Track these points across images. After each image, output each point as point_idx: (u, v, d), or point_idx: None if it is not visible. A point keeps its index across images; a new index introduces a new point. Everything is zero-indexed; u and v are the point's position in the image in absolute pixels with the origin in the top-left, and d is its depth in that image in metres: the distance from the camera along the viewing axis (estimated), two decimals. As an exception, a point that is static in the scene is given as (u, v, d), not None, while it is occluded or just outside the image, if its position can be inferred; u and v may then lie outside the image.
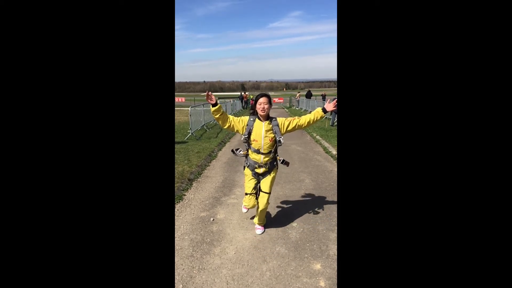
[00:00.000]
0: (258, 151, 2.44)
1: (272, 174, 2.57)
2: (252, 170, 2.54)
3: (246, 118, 2.46)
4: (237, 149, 2.63)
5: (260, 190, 2.59)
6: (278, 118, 2.46)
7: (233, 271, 2.14)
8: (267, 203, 2.55)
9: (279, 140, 2.41)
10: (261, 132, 2.39)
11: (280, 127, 2.42)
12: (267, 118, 2.44)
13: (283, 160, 2.59)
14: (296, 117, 2.46)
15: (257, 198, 2.58)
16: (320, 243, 2.51)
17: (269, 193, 2.56)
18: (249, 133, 2.40)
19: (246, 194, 2.58)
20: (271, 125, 2.42)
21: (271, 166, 2.54)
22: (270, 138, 2.41)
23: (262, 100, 2.39)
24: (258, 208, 2.59)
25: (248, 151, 2.54)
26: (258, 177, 2.57)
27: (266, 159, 2.47)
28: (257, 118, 2.41)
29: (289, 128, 2.44)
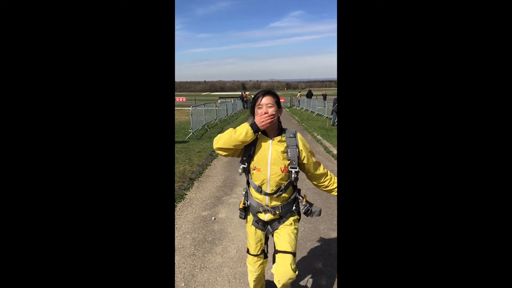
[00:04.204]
0: (260, 189, 1.42)
1: (290, 224, 1.50)
2: (254, 215, 1.54)
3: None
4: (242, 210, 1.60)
5: (275, 250, 1.52)
6: (298, 135, 1.45)
7: (234, 269, 2.15)
8: (294, 271, 1.43)
9: (292, 170, 1.40)
10: (266, 156, 1.39)
11: (300, 150, 1.41)
12: (278, 131, 1.44)
13: (309, 209, 1.50)
14: (315, 161, 1.49)
15: (272, 259, 1.56)
16: (321, 242, 2.52)
17: (293, 253, 1.46)
18: (249, 156, 1.42)
19: (250, 254, 1.61)
20: (285, 144, 1.41)
21: (286, 210, 1.48)
22: (283, 167, 1.39)
23: (264, 100, 1.37)
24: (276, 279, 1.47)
25: (248, 185, 1.52)
26: (265, 226, 1.55)
27: (275, 201, 1.45)
28: (260, 132, 1.40)
29: (305, 166, 1.46)
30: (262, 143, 1.41)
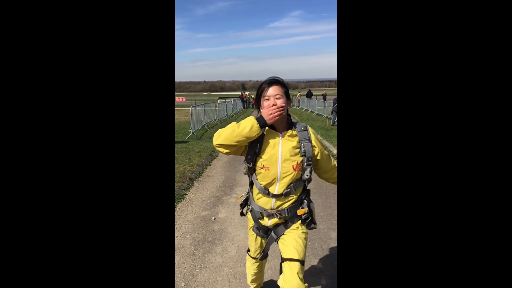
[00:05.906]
0: (267, 191, 1.28)
1: (297, 227, 1.35)
2: (255, 221, 1.41)
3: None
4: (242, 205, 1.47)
5: (282, 259, 1.32)
6: (310, 129, 1.31)
7: (234, 269, 2.15)
8: (303, 281, 1.24)
9: (308, 168, 1.27)
10: (276, 152, 1.24)
11: (313, 145, 1.28)
12: (288, 125, 1.29)
13: (309, 217, 1.35)
14: (327, 153, 1.37)
15: (279, 269, 1.35)
16: (321, 242, 2.52)
17: (301, 261, 1.27)
18: (255, 154, 1.26)
19: (249, 256, 1.57)
20: (297, 138, 1.27)
21: (293, 213, 1.34)
22: (295, 165, 1.25)
23: (271, 91, 1.22)
24: None
25: (251, 187, 1.39)
26: (267, 233, 1.42)
27: (283, 203, 1.31)
28: (268, 127, 1.26)
29: (318, 162, 1.33)
30: (271, 139, 1.25)
